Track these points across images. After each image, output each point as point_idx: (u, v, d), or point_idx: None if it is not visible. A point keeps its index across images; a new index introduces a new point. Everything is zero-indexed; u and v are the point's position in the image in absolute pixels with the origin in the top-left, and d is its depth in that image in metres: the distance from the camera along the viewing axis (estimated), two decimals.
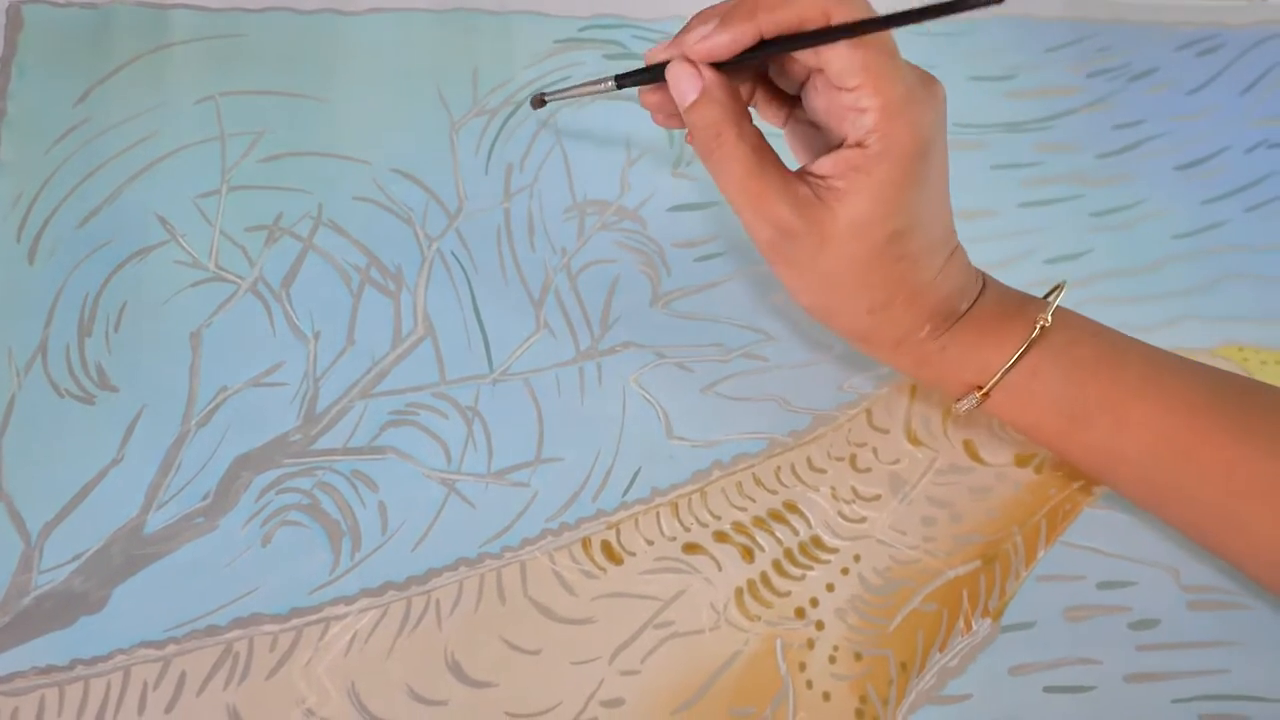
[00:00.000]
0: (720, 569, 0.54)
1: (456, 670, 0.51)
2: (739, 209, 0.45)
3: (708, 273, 0.60)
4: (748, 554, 0.54)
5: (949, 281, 0.48)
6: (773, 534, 0.54)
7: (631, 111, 0.62)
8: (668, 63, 0.46)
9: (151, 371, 0.55)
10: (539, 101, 0.53)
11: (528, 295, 0.58)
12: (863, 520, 0.55)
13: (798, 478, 0.55)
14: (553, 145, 0.61)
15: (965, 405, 0.50)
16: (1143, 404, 0.48)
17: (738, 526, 0.54)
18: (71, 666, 0.50)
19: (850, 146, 0.44)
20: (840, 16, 0.43)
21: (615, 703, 0.51)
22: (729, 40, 0.44)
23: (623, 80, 0.48)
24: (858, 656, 0.52)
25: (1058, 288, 0.50)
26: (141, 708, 0.50)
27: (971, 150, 0.64)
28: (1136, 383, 0.49)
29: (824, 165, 0.45)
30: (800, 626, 0.53)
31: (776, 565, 0.54)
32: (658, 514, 0.54)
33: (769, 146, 0.45)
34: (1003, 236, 0.62)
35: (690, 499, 0.55)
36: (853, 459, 0.56)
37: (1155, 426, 0.48)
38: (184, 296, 0.57)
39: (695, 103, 0.45)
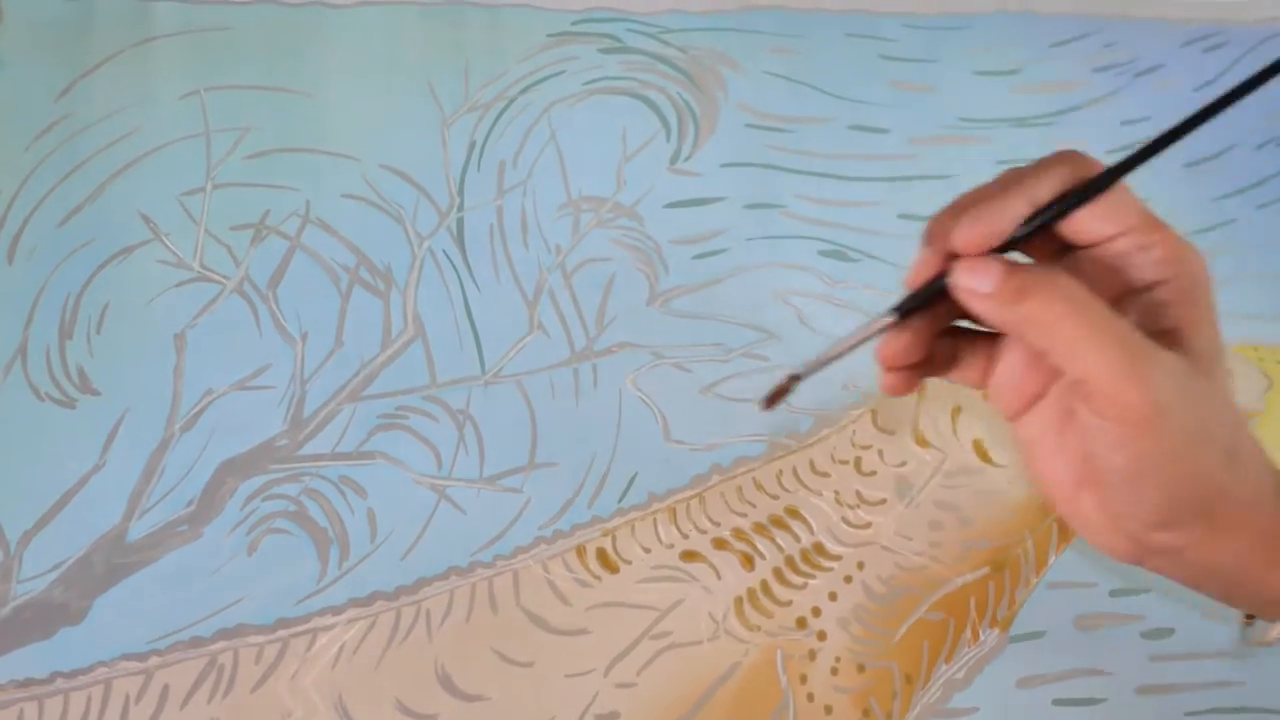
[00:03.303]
0: (719, 577, 0.52)
1: (447, 683, 0.50)
2: (1108, 355, 0.37)
3: (707, 270, 0.58)
4: (748, 561, 0.53)
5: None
6: (774, 541, 0.53)
7: (626, 105, 0.61)
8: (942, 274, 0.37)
9: (134, 374, 0.54)
10: (784, 391, 0.41)
11: (521, 295, 0.57)
12: (867, 526, 0.54)
13: (800, 482, 0.54)
14: (547, 141, 0.60)
15: None
16: None
17: (737, 533, 0.53)
18: (51, 679, 0.49)
19: (1152, 289, 0.39)
20: (1091, 169, 0.38)
21: (610, 716, 0.50)
22: (1003, 211, 0.36)
23: (906, 311, 0.39)
24: (861, 668, 0.51)
25: None
26: None
27: (978, 145, 0.62)
28: None
29: (1134, 316, 0.38)
30: (802, 637, 0.52)
31: (777, 573, 0.53)
32: (655, 520, 0.53)
33: None
34: None
35: (689, 504, 0.53)
36: (857, 462, 0.55)
37: None
38: (168, 297, 0.56)
39: (1002, 273, 0.37)
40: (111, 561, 0.51)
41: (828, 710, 0.50)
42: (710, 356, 0.56)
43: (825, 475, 0.54)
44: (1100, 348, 0.37)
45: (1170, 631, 0.53)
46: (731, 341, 0.57)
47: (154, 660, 0.50)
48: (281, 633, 0.50)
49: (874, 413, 0.56)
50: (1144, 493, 0.39)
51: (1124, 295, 0.39)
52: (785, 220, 0.60)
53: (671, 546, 0.53)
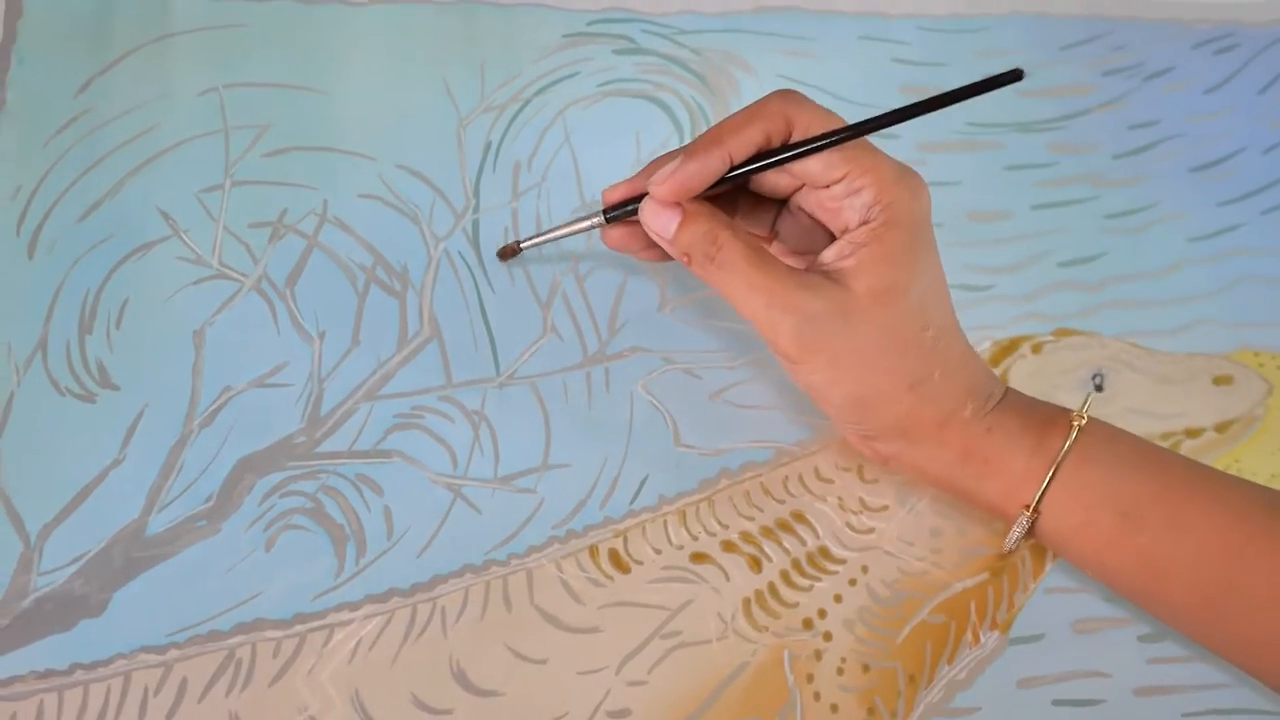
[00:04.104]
0: (728, 579, 0.53)
1: (462, 679, 0.51)
2: (754, 309, 0.45)
3: None
4: (755, 564, 0.53)
5: (976, 363, 0.48)
6: (781, 544, 0.54)
7: (640, 107, 0.62)
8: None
9: (153, 370, 0.55)
10: (512, 251, 0.55)
11: (535, 297, 0.57)
12: (870, 531, 0.54)
13: (805, 488, 0.55)
14: (561, 143, 0.60)
15: (1017, 531, 0.49)
16: (1194, 503, 0.47)
17: (745, 536, 0.54)
18: (71, 671, 0.50)
19: (853, 230, 0.45)
20: (804, 123, 0.45)
21: (622, 713, 0.51)
22: (697, 169, 0.45)
23: (610, 218, 0.49)
24: (865, 668, 0.52)
25: (1086, 398, 0.50)
26: (142, 714, 0.49)
27: (986, 150, 0.63)
28: (1184, 483, 0.47)
29: (828, 254, 0.45)
30: (808, 637, 0.52)
31: (784, 576, 0.53)
32: (665, 522, 0.54)
33: (764, 247, 0.46)
34: (1016, 239, 0.61)
35: (698, 507, 0.54)
36: (860, 469, 0.55)
37: (1208, 525, 0.46)
38: (186, 294, 0.56)
39: (681, 223, 0.45)
40: (131, 555, 0.51)
41: (834, 709, 0.51)
42: (719, 363, 0.57)
43: (829, 481, 0.55)
44: (748, 301, 0.45)
45: (1166, 635, 0.53)
46: (739, 348, 0.57)
47: (173, 653, 0.50)
48: (299, 628, 0.51)
49: None
50: (832, 411, 0.48)
51: (842, 233, 0.46)
52: None
53: (681, 548, 0.53)
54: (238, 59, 0.60)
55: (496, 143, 0.60)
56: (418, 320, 0.56)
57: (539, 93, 0.61)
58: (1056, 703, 0.52)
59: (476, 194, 0.59)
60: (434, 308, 0.57)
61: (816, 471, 0.55)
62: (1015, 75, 0.43)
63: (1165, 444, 0.57)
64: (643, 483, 0.54)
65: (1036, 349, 0.58)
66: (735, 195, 0.49)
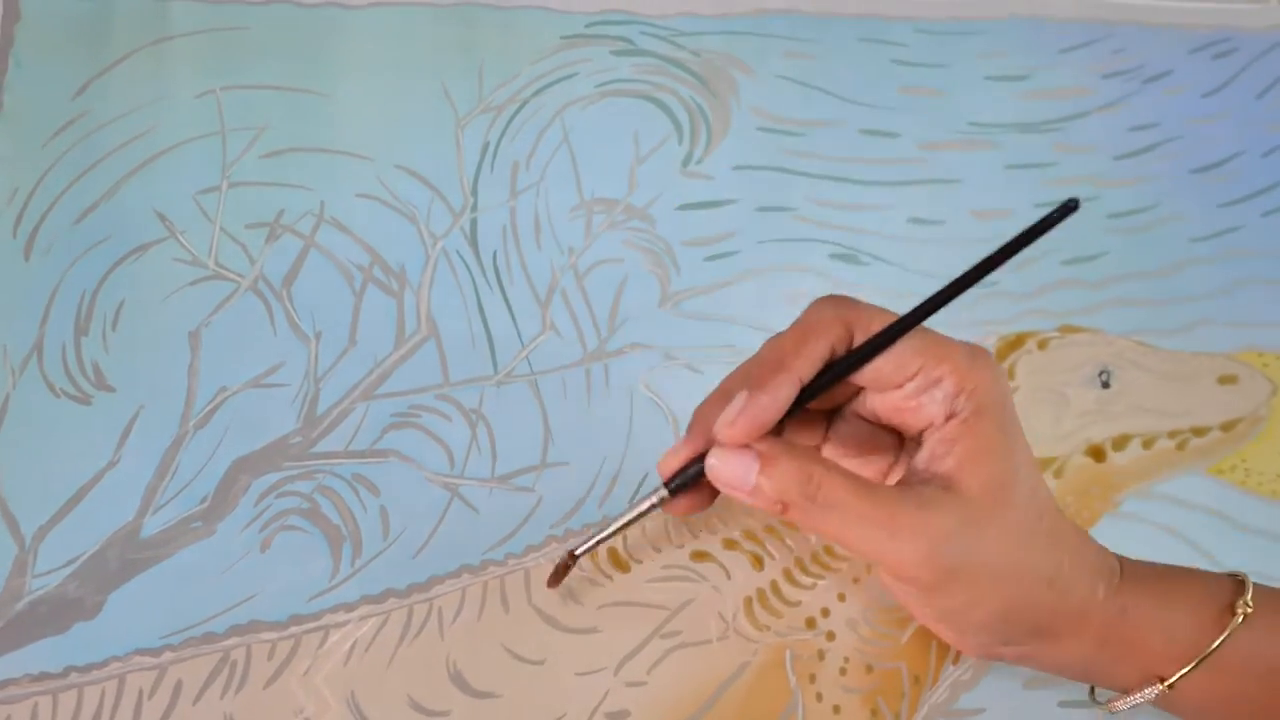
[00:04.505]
0: (729, 577, 0.53)
1: (459, 680, 0.50)
2: (874, 543, 0.40)
3: (718, 272, 0.59)
4: (757, 562, 0.53)
5: (1086, 536, 0.44)
6: (783, 541, 0.53)
7: (639, 107, 0.61)
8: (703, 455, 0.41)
9: (149, 371, 0.54)
10: (565, 567, 0.47)
11: (533, 295, 0.57)
12: None
13: None
14: (559, 143, 0.60)
15: (1142, 696, 0.44)
16: None
17: (747, 534, 0.53)
18: (65, 674, 0.49)
19: (941, 426, 0.41)
20: (864, 324, 0.41)
21: (620, 715, 0.50)
22: (770, 401, 0.40)
23: (674, 489, 0.43)
24: (869, 669, 0.51)
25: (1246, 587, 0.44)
26: (136, 717, 0.49)
27: (986, 150, 0.63)
28: None
29: (922, 458, 0.41)
30: (810, 637, 0.52)
31: (787, 574, 0.53)
32: (666, 521, 0.53)
33: (856, 472, 0.41)
34: None
35: None
36: None
37: None
38: (183, 295, 0.56)
39: (763, 471, 0.40)
40: (126, 557, 0.51)
41: (836, 710, 0.51)
42: (722, 358, 0.56)
43: None
44: (867, 537, 0.40)
45: None
46: (742, 343, 0.57)
47: (167, 655, 0.50)
48: (294, 629, 0.50)
49: None
50: (968, 632, 0.42)
51: (923, 433, 0.41)
52: (796, 223, 0.60)
53: (682, 546, 0.53)
54: (235, 61, 0.60)
55: (494, 143, 0.60)
56: (415, 319, 0.56)
57: (537, 93, 0.61)
58: (1063, 704, 0.52)
59: (474, 193, 0.59)
60: (431, 307, 0.57)
61: None
62: (1072, 206, 0.39)
63: (1172, 442, 0.57)
64: (643, 480, 0.54)
65: (1043, 345, 0.58)
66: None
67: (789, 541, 0.53)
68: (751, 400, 0.40)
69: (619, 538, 0.53)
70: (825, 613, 0.52)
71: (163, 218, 0.57)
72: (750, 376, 0.41)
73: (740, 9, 0.64)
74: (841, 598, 0.52)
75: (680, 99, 0.62)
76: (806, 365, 0.41)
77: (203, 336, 0.55)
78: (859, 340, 0.41)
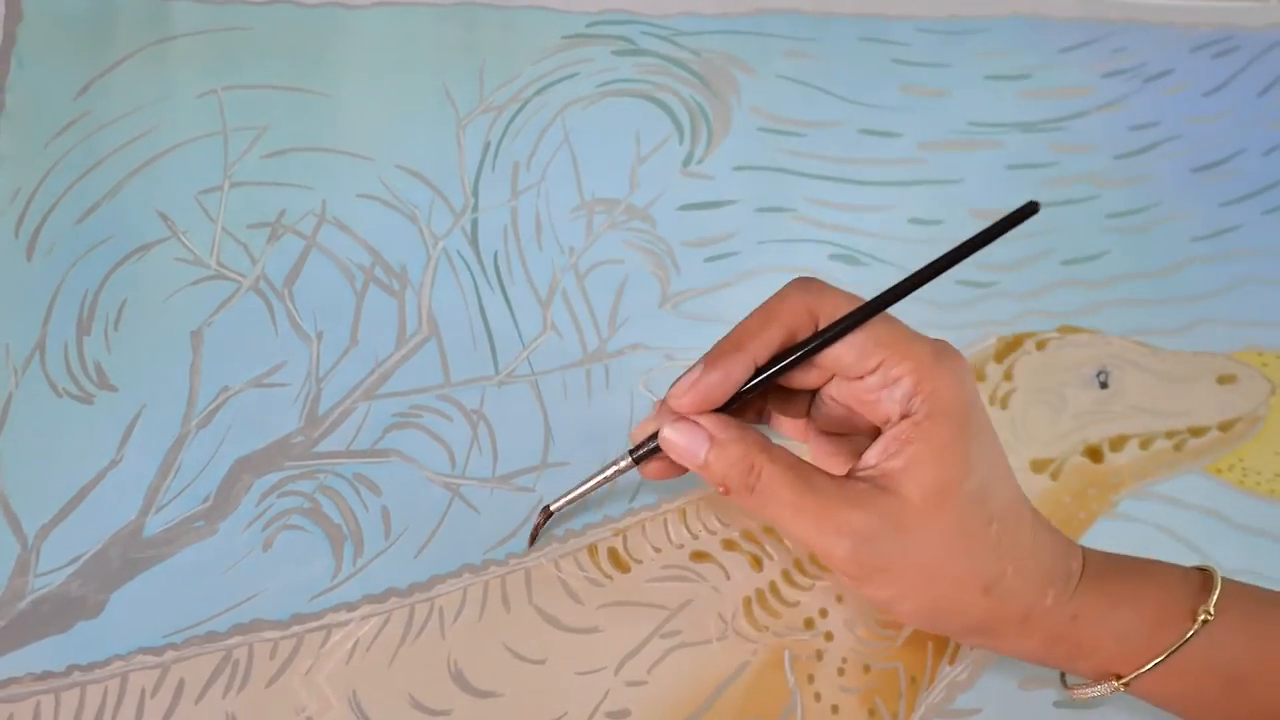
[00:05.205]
0: (729, 578, 0.53)
1: (460, 679, 0.50)
2: (804, 535, 0.41)
3: (718, 273, 0.59)
4: (757, 563, 0.53)
5: (1049, 540, 0.44)
6: (782, 543, 0.53)
7: (639, 107, 0.62)
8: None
9: (151, 371, 0.55)
10: (543, 521, 0.51)
11: (534, 295, 0.57)
12: None
13: None
14: (560, 143, 0.60)
15: (1100, 690, 0.45)
16: None
17: (747, 535, 0.53)
18: (68, 673, 0.49)
19: (895, 424, 0.42)
20: (828, 311, 0.42)
21: (621, 714, 0.50)
22: (720, 379, 0.42)
23: (637, 456, 0.46)
24: (866, 669, 0.52)
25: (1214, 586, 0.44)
26: (139, 715, 0.49)
27: (987, 150, 0.63)
28: None
29: (872, 455, 0.42)
30: (809, 638, 0.52)
31: (786, 575, 0.53)
32: (665, 521, 0.53)
33: (804, 461, 0.43)
34: (1019, 237, 0.60)
35: (698, 506, 0.54)
36: None
37: None
38: (185, 294, 0.56)
39: (709, 451, 0.42)
40: (128, 556, 0.51)
41: (834, 710, 0.51)
42: None
43: None
44: (797, 527, 0.42)
45: None
46: None
47: (170, 654, 0.50)
48: (296, 628, 0.51)
49: None
50: (909, 619, 0.44)
51: (883, 425, 0.42)
52: (796, 224, 0.60)
53: (682, 547, 0.53)
54: (237, 61, 0.61)
55: (495, 143, 0.60)
56: (416, 319, 0.56)
57: (538, 93, 0.61)
58: (1058, 705, 0.52)
59: (475, 193, 0.59)
60: (433, 307, 0.57)
61: None
62: (1031, 209, 0.41)
63: (1170, 443, 0.57)
64: (642, 481, 0.54)
65: (1041, 345, 0.58)
66: (765, 388, 0.45)
67: (788, 543, 0.53)
68: (704, 376, 0.42)
69: (620, 538, 0.53)
70: (823, 613, 0.52)
71: (165, 217, 0.57)
72: (709, 354, 0.43)
73: (741, 9, 0.64)
74: (839, 599, 0.53)
75: (681, 99, 0.62)
76: (762, 348, 0.42)
77: (205, 336, 0.55)
78: (822, 326, 0.43)
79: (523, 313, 0.57)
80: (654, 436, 0.45)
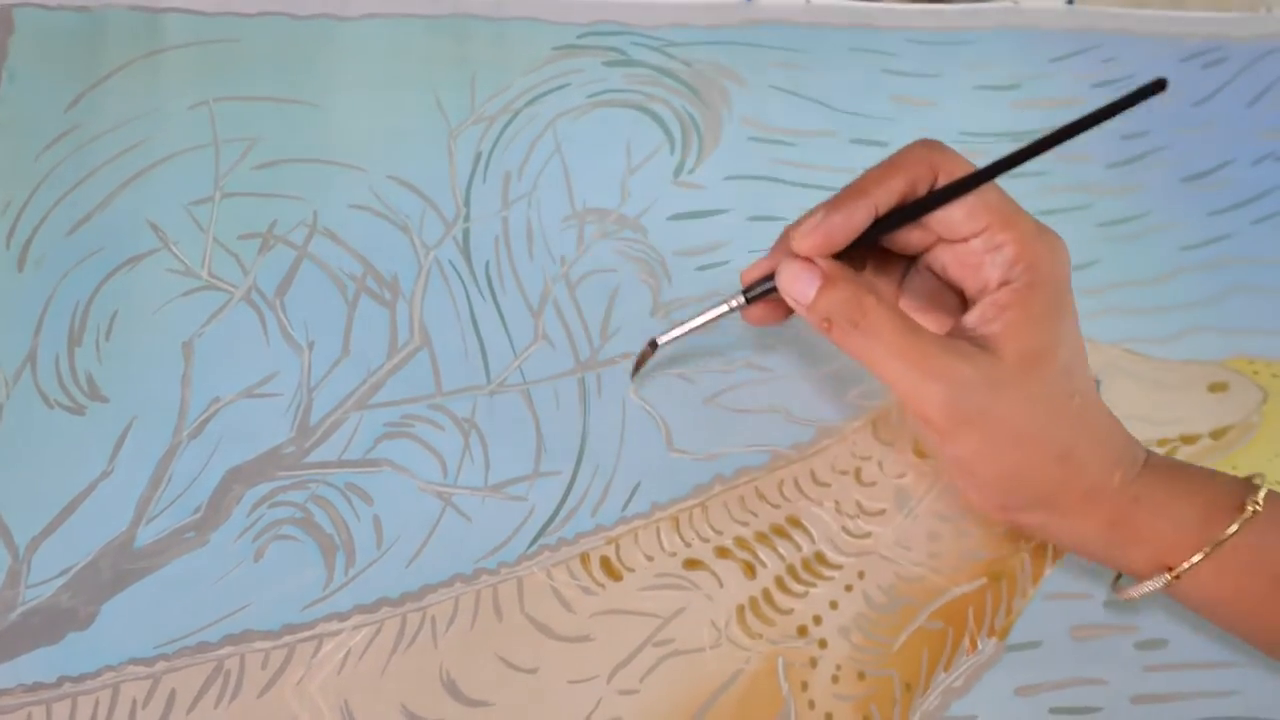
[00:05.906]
0: (722, 585, 0.53)
1: (452, 689, 0.50)
2: (901, 378, 0.42)
3: (709, 282, 0.59)
4: (750, 570, 0.53)
5: (1119, 428, 0.46)
6: (775, 550, 0.53)
7: (630, 118, 0.62)
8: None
9: (142, 382, 0.54)
10: (647, 354, 0.50)
11: (526, 305, 0.57)
12: (867, 536, 0.54)
13: (801, 492, 0.54)
14: (552, 153, 0.60)
15: (1151, 585, 0.45)
16: None
17: (740, 542, 0.53)
18: (59, 684, 0.49)
19: (995, 290, 0.42)
20: (949, 170, 0.43)
21: None
22: (843, 220, 0.42)
23: (750, 296, 0.46)
24: (861, 676, 0.52)
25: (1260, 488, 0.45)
26: None
27: (978, 159, 0.62)
28: None
29: (972, 318, 0.43)
30: (803, 645, 0.52)
31: (779, 582, 0.53)
32: (658, 529, 0.53)
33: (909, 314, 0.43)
34: None
35: (691, 513, 0.54)
36: (857, 472, 0.55)
37: None
38: (176, 305, 0.56)
39: (821, 289, 0.42)
40: (119, 567, 0.51)
41: (829, 717, 0.51)
42: (713, 367, 0.57)
43: (826, 485, 0.55)
44: (895, 369, 0.42)
45: (1164, 643, 0.53)
46: (734, 352, 0.57)
47: (161, 665, 0.50)
48: (288, 638, 0.50)
49: (874, 424, 0.56)
50: (975, 486, 0.45)
51: (980, 293, 0.43)
52: None
53: (674, 555, 0.53)
54: (228, 73, 0.61)
55: (487, 153, 0.60)
56: (408, 329, 0.56)
57: (529, 104, 0.61)
58: (1054, 710, 0.52)
59: (467, 203, 0.59)
60: (424, 316, 0.57)
61: (813, 475, 0.55)
62: (1159, 85, 0.40)
63: (1162, 450, 0.57)
64: (635, 489, 0.54)
65: None
66: (863, 253, 0.46)
67: (781, 550, 0.53)
68: (826, 217, 0.42)
69: (612, 546, 0.53)
70: (818, 620, 0.52)
71: (156, 229, 0.57)
72: (832, 199, 0.43)
73: (732, 19, 0.64)
74: (834, 605, 0.53)
75: (672, 109, 0.62)
76: (885, 195, 0.43)
77: (196, 347, 0.55)
78: (941, 184, 0.43)
79: (514, 322, 0.57)
80: (769, 277, 0.45)
